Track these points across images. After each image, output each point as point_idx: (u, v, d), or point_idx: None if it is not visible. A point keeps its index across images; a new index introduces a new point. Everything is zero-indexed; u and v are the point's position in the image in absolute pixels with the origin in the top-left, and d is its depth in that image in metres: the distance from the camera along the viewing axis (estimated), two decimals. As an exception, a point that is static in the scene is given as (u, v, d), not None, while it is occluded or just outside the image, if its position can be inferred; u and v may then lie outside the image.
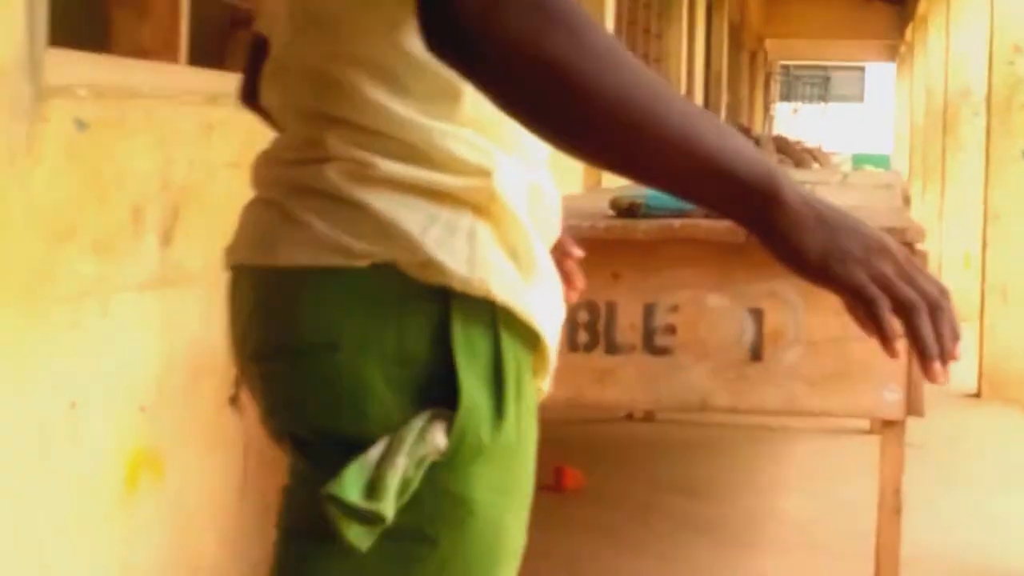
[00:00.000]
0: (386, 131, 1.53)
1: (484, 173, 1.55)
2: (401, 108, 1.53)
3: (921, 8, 17.51)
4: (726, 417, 6.23)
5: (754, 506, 5.74)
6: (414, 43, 1.44)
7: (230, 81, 3.95)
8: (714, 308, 3.72)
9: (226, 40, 4.89)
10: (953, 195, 12.40)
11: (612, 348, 3.77)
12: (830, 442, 6.87)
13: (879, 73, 39.30)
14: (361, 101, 1.54)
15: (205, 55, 4.30)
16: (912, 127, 19.88)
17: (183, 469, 3.65)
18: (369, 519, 1.52)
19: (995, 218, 8.53)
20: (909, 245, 3.64)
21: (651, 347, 3.75)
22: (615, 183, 8.14)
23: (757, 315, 3.69)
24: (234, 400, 3.88)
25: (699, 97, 14.00)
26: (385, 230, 1.52)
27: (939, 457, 6.77)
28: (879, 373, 3.65)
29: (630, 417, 7.29)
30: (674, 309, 3.74)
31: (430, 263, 1.51)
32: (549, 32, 1.32)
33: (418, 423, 1.52)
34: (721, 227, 3.67)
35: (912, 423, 3.71)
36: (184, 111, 3.65)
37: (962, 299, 11.97)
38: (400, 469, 1.51)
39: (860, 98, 41.89)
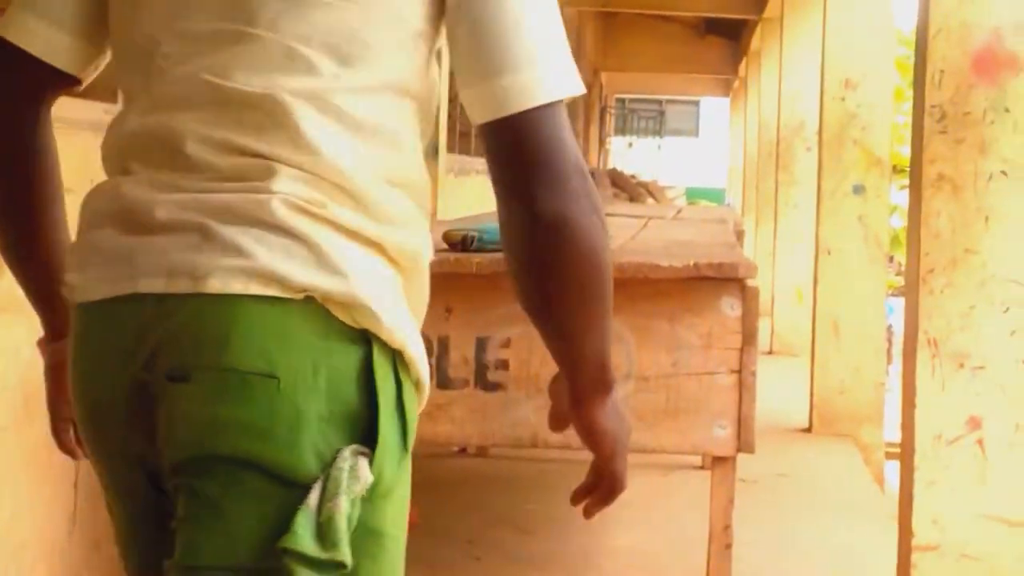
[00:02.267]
0: (338, 181, 1.68)
1: (416, 233, 1.78)
2: (353, 167, 1.69)
3: (754, 44, 17.77)
4: (559, 452, 6.20)
5: (587, 542, 5.71)
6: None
7: (72, 105, 3.88)
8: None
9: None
10: (786, 230, 12.55)
11: (445, 383, 3.73)
12: (663, 478, 6.87)
13: (713, 107, 39.87)
14: (317, 154, 1.67)
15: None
16: (746, 161, 20.15)
17: (13, 500, 3.61)
18: (329, 568, 1.61)
19: (826, 253, 8.63)
20: (740, 281, 3.64)
21: (483, 382, 3.71)
22: (448, 215, 8.11)
23: (589, 351, 3.66)
24: (65, 431, 3.81)
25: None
26: (326, 266, 1.64)
27: (771, 492, 6.80)
28: (709, 409, 3.64)
29: (463, 452, 7.23)
30: (506, 344, 3.71)
31: (362, 307, 1.66)
32: (603, 241, 1.76)
33: (347, 460, 1.63)
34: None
35: (744, 458, 3.71)
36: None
37: (794, 334, 12.14)
38: (344, 510, 1.61)
39: (695, 132, 42.45)
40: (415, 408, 1.78)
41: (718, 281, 3.62)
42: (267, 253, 1.62)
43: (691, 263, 3.60)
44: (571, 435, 3.67)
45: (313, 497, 1.60)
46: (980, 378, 4.70)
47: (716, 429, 3.63)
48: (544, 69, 1.74)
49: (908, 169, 5.16)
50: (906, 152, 5.45)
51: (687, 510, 6.03)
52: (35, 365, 3.64)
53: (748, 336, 3.63)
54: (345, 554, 1.61)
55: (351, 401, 1.66)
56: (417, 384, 1.78)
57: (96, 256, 1.72)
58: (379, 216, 1.71)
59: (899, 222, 17.69)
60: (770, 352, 12.10)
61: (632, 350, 3.64)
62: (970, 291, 4.69)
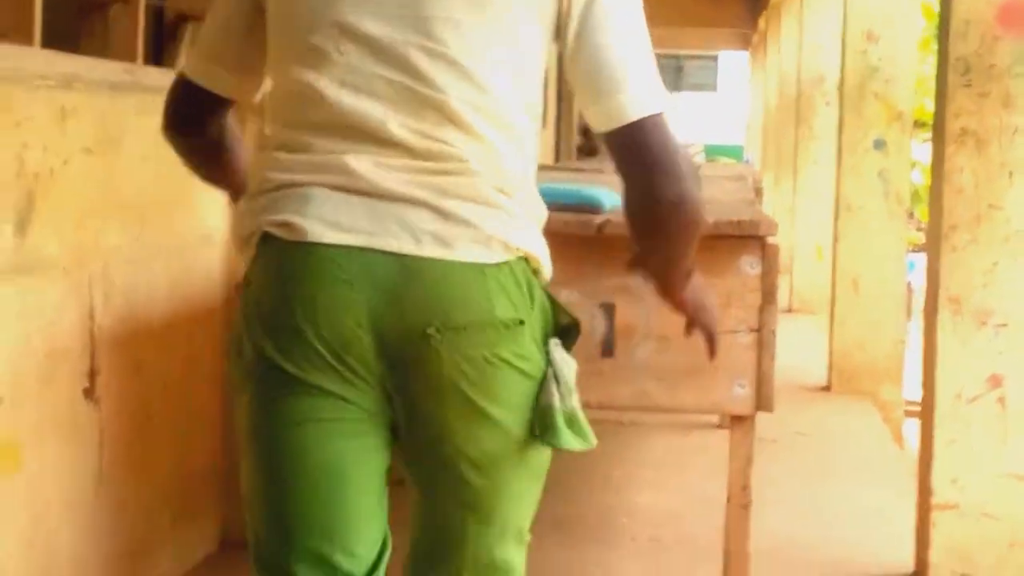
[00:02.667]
0: (501, 171, 2.26)
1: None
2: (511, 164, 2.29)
3: (774, -2, 17.65)
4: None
5: (606, 501, 5.71)
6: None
7: (85, 65, 3.88)
8: (565, 302, 3.66)
9: (80, 23, 4.80)
10: (805, 186, 12.49)
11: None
12: (683, 437, 6.87)
13: (732, 62, 39.67)
14: (490, 148, 2.25)
15: (59, 38, 4.22)
16: (765, 117, 20.05)
17: (40, 460, 3.62)
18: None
19: (847, 209, 8.58)
20: (760, 239, 3.62)
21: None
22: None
23: (609, 310, 3.65)
24: (89, 392, 3.84)
25: (551, 87, 13.99)
26: (525, 231, 2.28)
27: (790, 451, 6.80)
28: (729, 368, 3.62)
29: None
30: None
31: (538, 258, 2.32)
32: (703, 207, 2.37)
33: (565, 361, 2.32)
34: (573, 220, 3.61)
35: (762, 417, 3.69)
36: (38, 96, 3.57)
37: (813, 291, 12.09)
38: (577, 402, 2.35)
39: (713, 87, 42.24)
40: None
41: (737, 239, 3.59)
42: (490, 224, 2.21)
43: (710, 221, 3.58)
44: (589, 395, 3.67)
45: (555, 399, 2.28)
46: (1002, 336, 4.68)
47: (735, 388, 3.61)
48: (648, 87, 2.29)
49: (931, 123, 5.12)
50: (931, 106, 5.40)
51: (706, 469, 6.03)
52: (58, 324, 3.66)
53: (768, 294, 3.60)
54: (593, 439, 2.38)
55: (548, 320, 2.33)
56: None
57: (318, 207, 2.20)
58: (520, 200, 2.30)
59: (920, 178, 17.60)
60: (789, 310, 12.07)
61: (652, 309, 3.62)
62: (993, 248, 4.66)
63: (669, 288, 2.62)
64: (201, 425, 4.73)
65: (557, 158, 14.89)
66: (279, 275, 2.22)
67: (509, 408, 2.26)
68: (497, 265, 2.21)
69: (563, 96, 15.47)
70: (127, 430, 4.11)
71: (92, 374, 3.85)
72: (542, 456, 2.38)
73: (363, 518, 2.32)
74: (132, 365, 4.13)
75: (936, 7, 7.60)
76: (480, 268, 2.19)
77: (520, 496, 2.38)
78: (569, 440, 2.31)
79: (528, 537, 2.46)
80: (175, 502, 4.52)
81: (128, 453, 4.12)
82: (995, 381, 4.69)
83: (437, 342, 2.19)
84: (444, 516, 2.36)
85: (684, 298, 2.67)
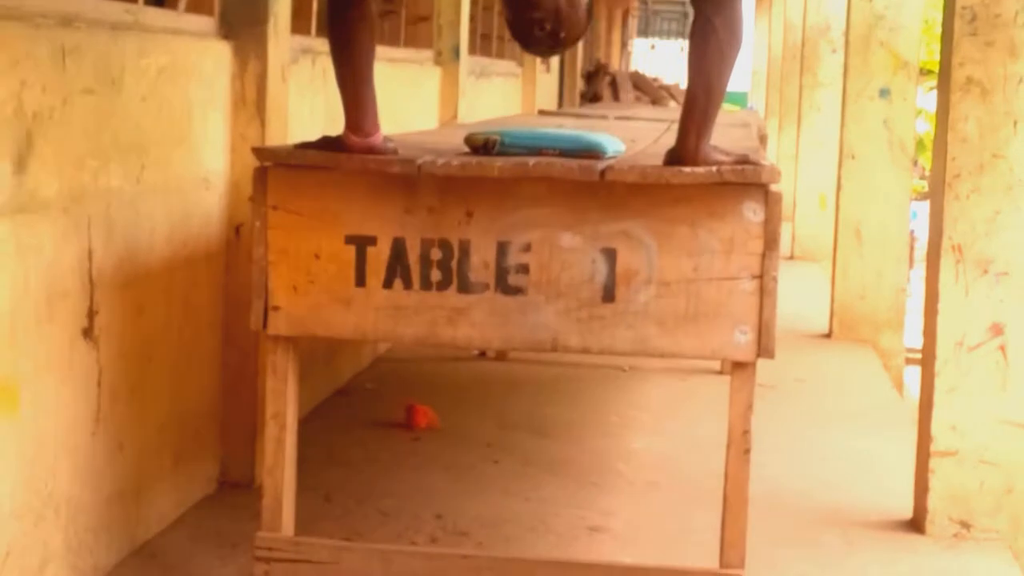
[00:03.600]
0: None
1: None
2: None
3: (781, -55, 17.55)
4: (578, 357, 6.19)
5: (604, 446, 5.72)
6: None
7: (86, 4, 3.86)
8: (567, 248, 3.66)
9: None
10: (809, 134, 12.47)
11: (465, 287, 3.70)
12: (682, 382, 6.87)
13: (738, 10, 39.40)
14: None
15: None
16: (770, 64, 19.99)
17: (38, 400, 3.62)
18: None
19: (850, 158, 8.56)
20: (763, 186, 3.60)
21: (504, 286, 3.68)
22: (470, 119, 8.05)
23: (610, 255, 3.64)
24: (87, 333, 3.86)
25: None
26: None
27: (790, 397, 6.80)
28: (730, 314, 3.62)
29: (482, 356, 7.23)
30: (527, 248, 3.67)
31: None
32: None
33: None
34: (575, 166, 3.60)
35: (763, 364, 3.69)
36: (38, 34, 3.55)
37: (815, 239, 12.09)
38: None
39: (719, 35, 42.00)
40: None
41: (741, 186, 3.58)
42: None
43: (713, 168, 3.57)
44: (590, 340, 3.67)
45: None
46: (1004, 284, 4.67)
47: (737, 334, 3.61)
48: None
49: (936, 72, 5.10)
50: (937, 54, 5.37)
51: (705, 415, 6.03)
52: (58, 264, 3.65)
53: (770, 241, 3.59)
54: None
55: None
56: None
57: None
58: None
59: (925, 126, 17.56)
60: (791, 257, 12.07)
61: (654, 255, 3.61)
62: (996, 196, 4.65)
63: (688, 132, 3.57)
64: (200, 367, 4.73)
65: (560, 104, 14.85)
66: None
67: None
68: None
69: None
70: (126, 371, 4.11)
71: (91, 314, 3.85)
72: None
73: None
74: (131, 307, 4.13)
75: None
76: None
77: None
78: None
79: None
80: (173, 443, 4.52)
81: (127, 394, 4.12)
82: (996, 329, 4.69)
83: None
84: None
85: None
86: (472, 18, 9.45)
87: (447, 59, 8.39)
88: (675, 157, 3.63)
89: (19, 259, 3.48)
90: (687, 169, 3.58)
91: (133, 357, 4.16)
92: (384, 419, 5.93)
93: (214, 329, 4.81)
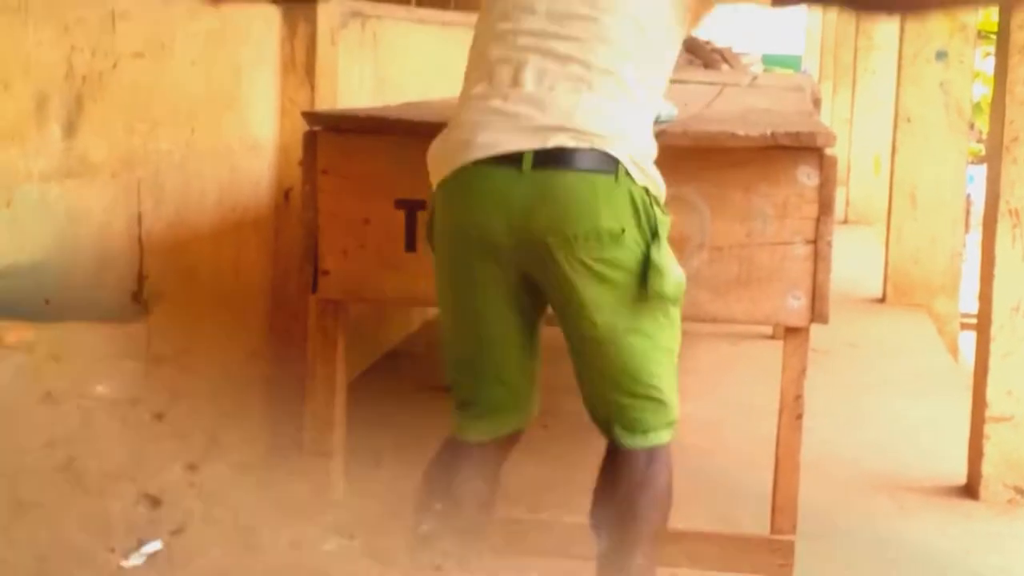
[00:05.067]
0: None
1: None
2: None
3: (835, -93, 17.37)
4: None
5: (657, 410, 5.68)
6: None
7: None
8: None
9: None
10: (864, 97, 12.35)
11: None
12: (732, 347, 6.84)
13: (792, -28, 39.13)
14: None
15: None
16: (824, 27, 19.83)
17: (87, 368, 3.58)
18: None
19: (906, 121, 8.47)
20: (818, 150, 3.56)
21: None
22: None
23: (662, 220, 3.60)
24: (136, 297, 3.83)
25: None
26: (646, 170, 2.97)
27: (843, 362, 6.76)
28: (783, 279, 3.58)
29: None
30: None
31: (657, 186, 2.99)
32: None
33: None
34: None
35: (816, 328, 3.65)
36: (89, -1, 3.54)
37: (870, 203, 11.99)
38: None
39: (773, -3, 41.74)
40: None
41: (795, 150, 3.53)
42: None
43: (768, 132, 3.52)
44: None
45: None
46: (1061, 250, 4.62)
47: (790, 299, 3.57)
48: None
49: (995, 34, 5.03)
50: (995, 17, 5.29)
51: (756, 380, 5.99)
52: (107, 228, 3.65)
53: (825, 206, 3.55)
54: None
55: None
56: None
57: None
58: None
59: (982, 89, 17.37)
60: (844, 221, 11.98)
61: (706, 220, 3.58)
62: (1053, 160, 4.60)
63: None
64: (249, 332, 4.73)
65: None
66: None
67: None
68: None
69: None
70: (175, 335, 4.11)
71: (140, 278, 3.85)
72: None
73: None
74: (181, 271, 4.12)
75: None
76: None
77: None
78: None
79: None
80: (222, 406, 4.52)
81: (175, 359, 4.12)
82: (1053, 294, 4.64)
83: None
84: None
85: None
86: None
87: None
88: None
89: (69, 223, 3.48)
90: (741, 132, 3.54)
91: (182, 321, 4.16)
92: (433, 383, 5.92)
93: (263, 294, 4.81)
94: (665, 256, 2.94)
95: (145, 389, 2.70)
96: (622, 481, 3.08)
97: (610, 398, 3.07)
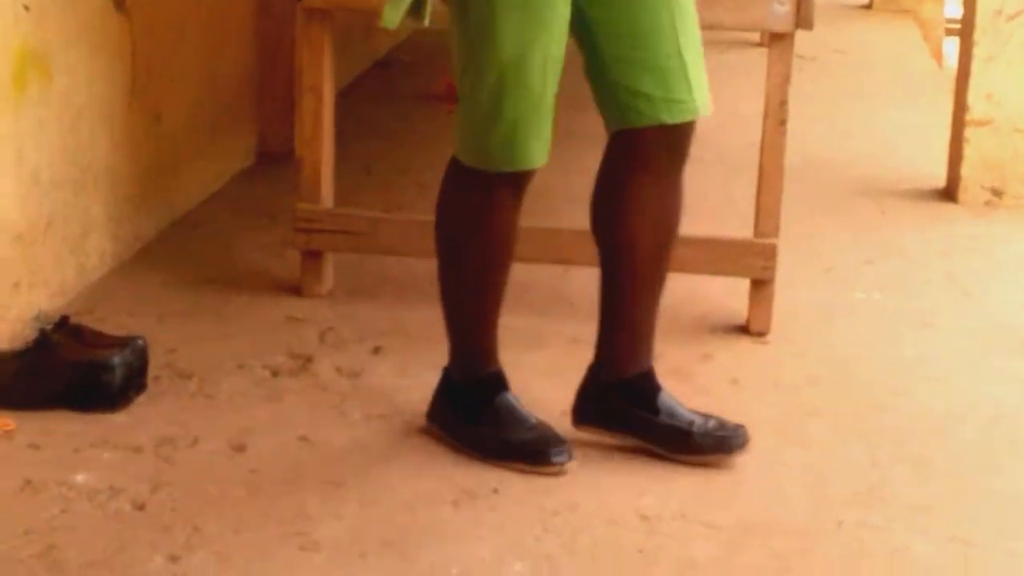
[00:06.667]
0: None
1: None
2: None
3: None
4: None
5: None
6: None
7: None
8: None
9: None
10: None
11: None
12: (720, 55, 6.83)
13: None
14: None
15: None
16: None
17: (71, 72, 3.62)
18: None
19: None
20: None
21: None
22: None
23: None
24: (119, 3, 3.83)
25: None
26: None
27: (828, 69, 6.77)
28: (769, -16, 3.57)
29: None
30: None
31: None
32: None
33: None
34: None
35: (801, 35, 3.66)
36: None
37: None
38: None
39: None
40: None
41: None
42: None
43: None
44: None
45: None
46: (1046, -47, 4.62)
47: (775, 5, 3.56)
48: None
49: None
50: None
51: (743, 86, 6.01)
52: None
53: (810, -92, 3.53)
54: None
55: None
56: None
57: None
58: None
59: None
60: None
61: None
62: None
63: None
64: (235, 39, 4.72)
65: None
66: None
67: None
68: None
69: None
70: (159, 43, 4.10)
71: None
72: None
73: None
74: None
75: None
76: None
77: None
78: None
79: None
80: (210, 115, 4.55)
81: (161, 66, 4.13)
82: (1036, -1, 4.65)
83: None
84: None
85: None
86: None
87: None
88: None
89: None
90: None
91: (166, 28, 4.15)
92: (423, 92, 5.94)
93: (249, 1, 4.79)
94: None
95: (126, 477, 2.73)
96: (675, 178, 3.02)
97: (675, 61, 2.83)
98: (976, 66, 4.72)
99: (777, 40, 3.67)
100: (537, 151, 2.81)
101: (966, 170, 4.76)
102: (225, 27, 4.62)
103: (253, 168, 4.91)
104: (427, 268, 3.30)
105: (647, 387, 2.97)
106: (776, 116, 3.69)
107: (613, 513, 2.66)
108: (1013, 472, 3.00)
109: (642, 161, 2.94)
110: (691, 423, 2.93)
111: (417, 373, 3.28)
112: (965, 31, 4.84)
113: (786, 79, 3.66)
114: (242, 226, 4.34)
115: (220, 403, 3.19)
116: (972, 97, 4.73)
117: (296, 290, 3.83)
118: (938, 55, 8.19)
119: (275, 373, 3.35)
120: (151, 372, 3.23)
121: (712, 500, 2.46)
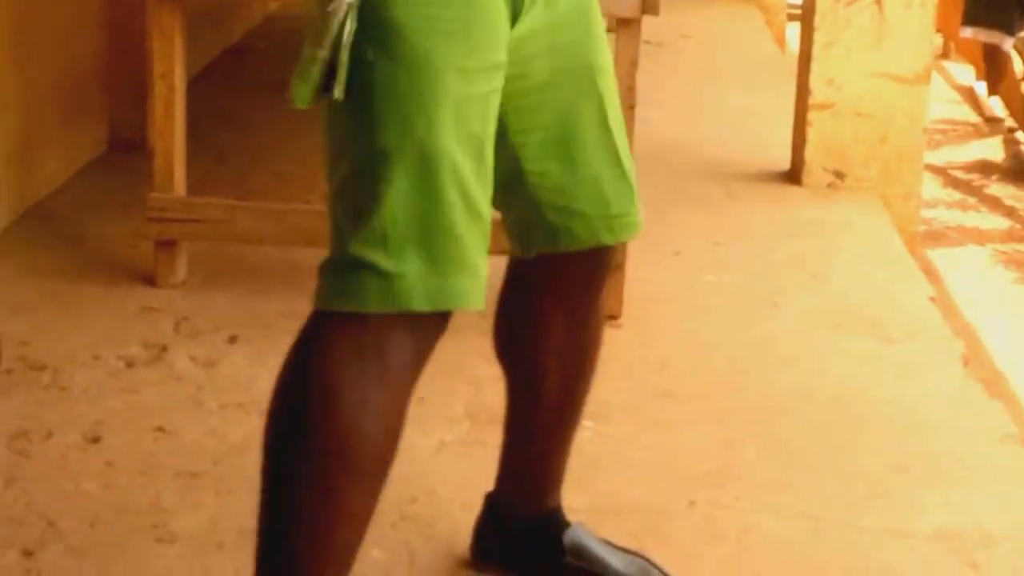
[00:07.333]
0: None
1: None
2: None
3: None
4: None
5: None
6: None
7: None
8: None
9: None
10: None
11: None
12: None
13: None
14: None
15: None
16: None
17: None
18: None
19: None
20: None
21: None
22: None
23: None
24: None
25: None
26: None
27: (675, 54, 6.85)
28: (615, -26, 3.61)
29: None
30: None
31: None
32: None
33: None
34: None
35: (649, 20, 3.71)
36: None
37: None
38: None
39: None
40: None
41: None
42: None
43: None
44: None
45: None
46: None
47: (622, -10, 3.61)
48: None
49: None
50: None
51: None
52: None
53: None
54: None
55: None
56: None
57: None
58: None
59: None
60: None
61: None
62: None
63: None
64: (85, 25, 4.68)
65: None
66: None
67: None
68: None
69: None
70: (5, 29, 4.05)
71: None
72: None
73: None
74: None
75: None
76: None
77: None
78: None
79: None
80: (60, 104, 4.50)
81: (9, 53, 4.07)
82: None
83: None
84: None
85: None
86: None
87: None
88: None
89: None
90: None
91: (11, 17, 4.10)
92: (278, 80, 5.88)
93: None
94: None
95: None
96: (593, 306, 2.42)
97: (609, 171, 2.30)
98: (817, 51, 4.82)
99: (624, 25, 3.71)
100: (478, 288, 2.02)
101: (809, 153, 4.87)
102: (75, 13, 4.56)
103: (105, 157, 4.86)
104: (283, 256, 3.33)
105: (553, 529, 2.49)
106: (625, 101, 3.71)
107: (470, 499, 2.70)
108: (861, 448, 3.09)
109: (554, 291, 2.37)
110: (605, 569, 2.44)
111: (274, 362, 3.27)
112: (806, 17, 4.94)
113: (634, 64, 3.71)
114: (94, 216, 4.30)
115: (74, 395, 3.17)
116: (814, 81, 4.84)
117: (150, 280, 3.80)
118: (781, 40, 8.33)
119: (130, 364, 3.34)
120: (3, 365, 3.21)
121: (567, 483, 2.50)
